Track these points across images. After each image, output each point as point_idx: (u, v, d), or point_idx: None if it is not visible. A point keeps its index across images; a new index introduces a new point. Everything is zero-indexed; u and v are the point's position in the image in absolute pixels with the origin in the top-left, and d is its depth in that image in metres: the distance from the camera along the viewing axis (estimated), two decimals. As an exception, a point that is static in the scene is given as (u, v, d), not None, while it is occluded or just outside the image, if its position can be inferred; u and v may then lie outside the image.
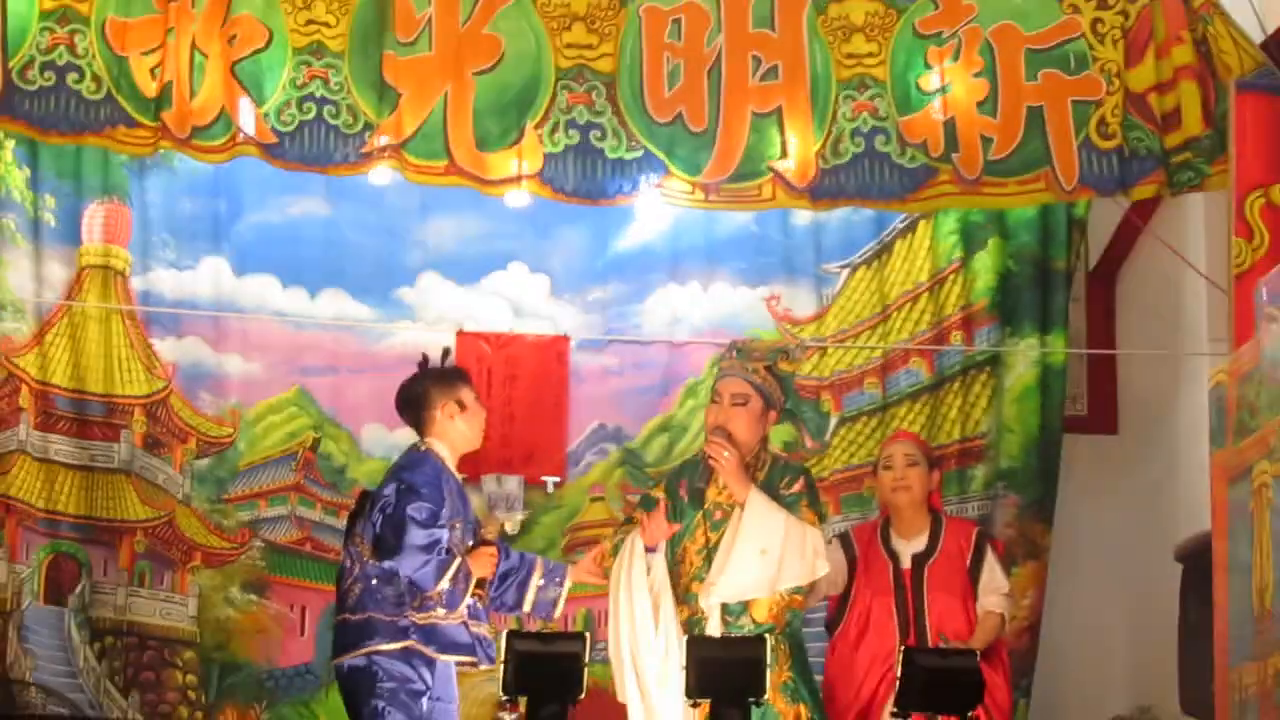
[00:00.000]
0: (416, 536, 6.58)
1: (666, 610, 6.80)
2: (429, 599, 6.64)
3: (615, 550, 7.00)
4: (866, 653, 7.13)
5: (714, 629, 6.76)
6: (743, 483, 6.88)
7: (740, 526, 6.80)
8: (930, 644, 6.94)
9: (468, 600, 6.69)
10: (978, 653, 6.47)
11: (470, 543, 6.84)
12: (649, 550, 6.91)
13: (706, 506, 6.99)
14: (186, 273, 9.06)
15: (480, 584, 6.74)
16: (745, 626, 6.78)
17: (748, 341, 7.39)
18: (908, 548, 7.26)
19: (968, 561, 7.20)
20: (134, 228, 9.00)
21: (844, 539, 7.45)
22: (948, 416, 8.97)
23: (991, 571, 7.21)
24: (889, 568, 7.24)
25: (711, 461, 6.90)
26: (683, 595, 6.89)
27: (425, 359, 7.04)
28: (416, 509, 6.62)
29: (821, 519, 7.03)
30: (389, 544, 6.64)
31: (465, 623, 6.72)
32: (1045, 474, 8.84)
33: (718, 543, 6.87)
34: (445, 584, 6.62)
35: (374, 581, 6.69)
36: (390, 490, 6.73)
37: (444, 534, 6.64)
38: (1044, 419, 8.88)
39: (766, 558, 6.74)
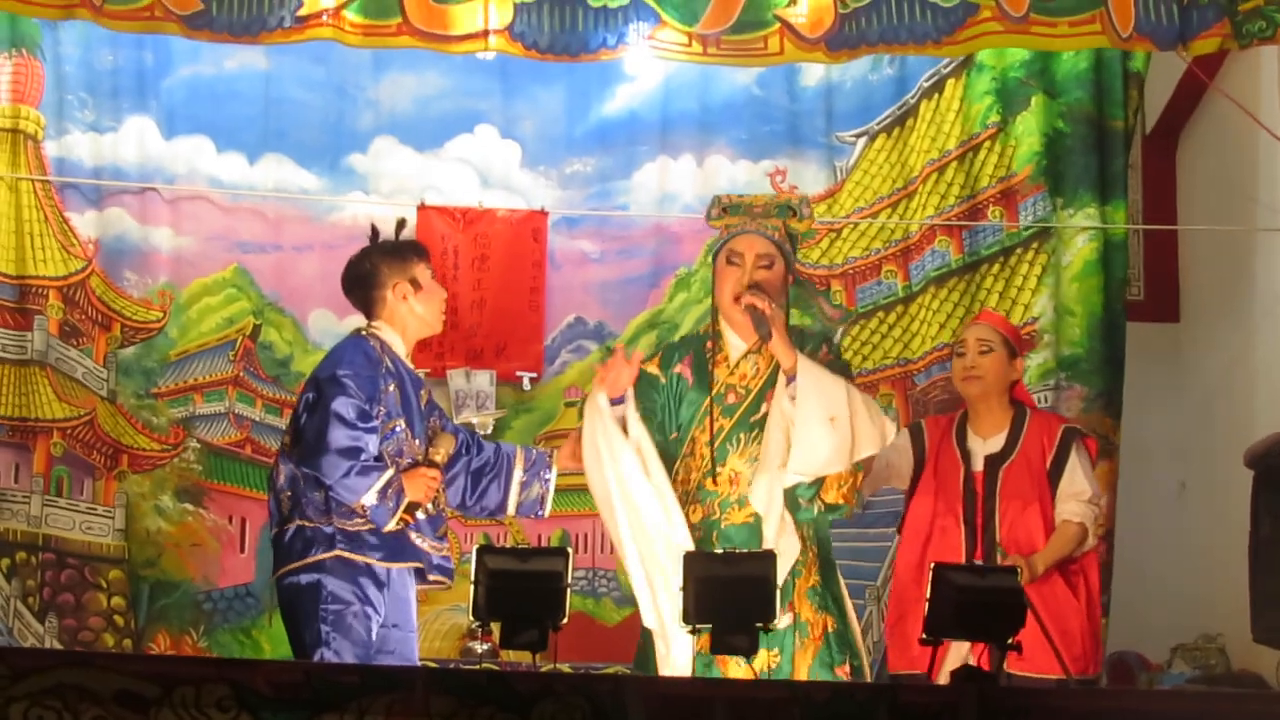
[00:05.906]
0: (339, 437, 5.96)
1: (654, 465, 6.12)
2: (353, 512, 6.01)
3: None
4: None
5: (773, 524, 6.03)
6: (789, 346, 6.13)
7: (798, 396, 6.06)
8: (999, 561, 6.36)
9: (394, 524, 6.01)
10: (1019, 570, 5.71)
11: (422, 448, 6.22)
12: (614, 402, 6.19)
13: (716, 390, 6.23)
14: (108, 135, 8.43)
15: (411, 509, 6.05)
16: (816, 510, 6.13)
17: (737, 198, 6.54)
18: (983, 447, 6.60)
19: (1048, 463, 6.55)
20: (47, 85, 8.36)
21: (914, 429, 6.82)
22: (986, 303, 8.34)
23: (1073, 474, 6.54)
24: (960, 469, 6.60)
25: (763, 312, 6.10)
26: (694, 492, 6.19)
27: (375, 230, 6.46)
28: (342, 405, 6.00)
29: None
30: (310, 444, 6.03)
31: (408, 537, 6.11)
32: (1111, 360, 8.29)
33: (730, 429, 6.18)
34: (371, 498, 5.96)
35: (302, 484, 6.07)
36: (314, 382, 6.17)
37: (371, 438, 6.02)
38: (1107, 299, 8.34)
39: (838, 424, 6.03)
